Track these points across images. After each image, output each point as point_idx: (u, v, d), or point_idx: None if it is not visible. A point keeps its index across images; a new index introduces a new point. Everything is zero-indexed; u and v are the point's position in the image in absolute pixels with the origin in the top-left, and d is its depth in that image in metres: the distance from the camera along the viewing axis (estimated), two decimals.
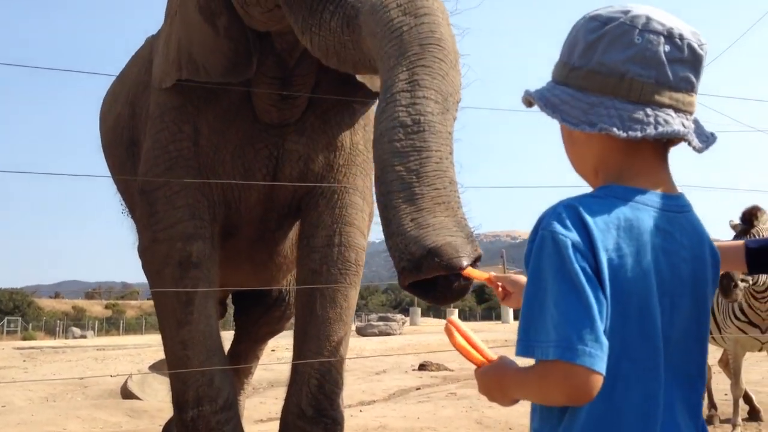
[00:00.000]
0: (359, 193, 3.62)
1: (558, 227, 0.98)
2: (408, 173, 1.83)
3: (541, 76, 1.30)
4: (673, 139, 1.06)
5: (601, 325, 0.94)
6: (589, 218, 0.98)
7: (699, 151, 1.07)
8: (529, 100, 1.13)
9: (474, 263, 1.68)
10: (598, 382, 0.94)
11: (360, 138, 3.66)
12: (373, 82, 3.43)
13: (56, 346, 23.81)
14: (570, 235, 0.97)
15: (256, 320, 5.26)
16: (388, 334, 22.86)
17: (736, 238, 4.89)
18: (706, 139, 1.08)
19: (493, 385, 1.12)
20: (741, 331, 5.06)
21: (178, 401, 3.30)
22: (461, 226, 1.79)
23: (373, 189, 1.95)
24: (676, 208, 1.05)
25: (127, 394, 7.68)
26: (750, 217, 4.93)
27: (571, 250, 0.96)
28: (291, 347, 4.81)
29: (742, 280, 4.55)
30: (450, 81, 2.04)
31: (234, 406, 3.31)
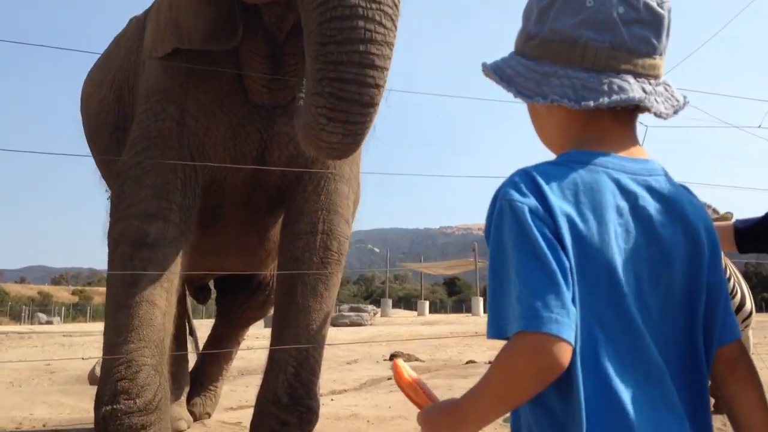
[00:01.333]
0: (345, 181, 3.60)
1: (515, 194, 0.94)
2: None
3: None
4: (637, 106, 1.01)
5: (567, 291, 0.89)
6: (544, 184, 0.94)
7: (664, 117, 1.02)
8: (487, 72, 1.08)
9: None
10: (566, 351, 0.88)
11: None
12: None
13: (22, 331, 23.39)
14: (527, 201, 0.93)
15: (239, 305, 5.23)
16: (360, 325, 22.86)
17: None
18: (676, 104, 1.03)
19: (440, 417, 1.00)
20: None
21: (97, 393, 3.02)
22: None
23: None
24: (644, 172, 1.00)
25: (94, 380, 7.57)
26: None
27: (528, 216, 0.92)
28: (260, 336, 4.75)
29: None
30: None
31: (159, 409, 2.95)
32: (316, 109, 2.38)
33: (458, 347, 12.76)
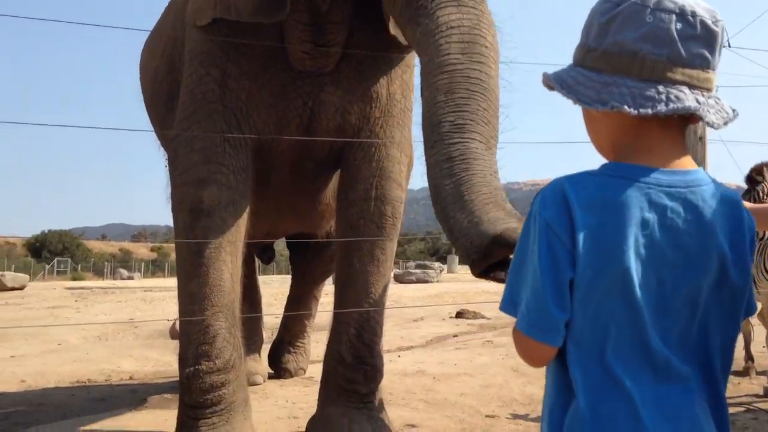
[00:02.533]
0: (396, 145, 3.63)
1: (539, 206, 1.06)
2: (457, 187, 2.09)
3: None
4: (690, 116, 1.07)
5: (556, 305, 1.04)
6: (573, 196, 1.04)
7: (715, 127, 1.08)
8: (548, 83, 1.15)
9: None
10: (550, 352, 1.07)
11: (397, 87, 3.62)
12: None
13: (105, 287, 24.63)
14: (545, 215, 1.04)
15: (310, 261, 5.43)
16: (426, 282, 23.10)
17: (743, 195, 4.92)
18: (726, 116, 1.08)
19: None
20: None
21: (180, 356, 3.29)
22: (511, 214, 2.01)
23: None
24: (681, 184, 1.07)
25: (175, 334, 7.98)
26: (755, 174, 4.99)
27: (544, 230, 1.04)
28: (328, 293, 4.92)
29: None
30: (492, 127, 2.27)
31: (235, 367, 3.22)
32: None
33: None
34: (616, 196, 1.04)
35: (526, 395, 4.97)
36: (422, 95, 2.37)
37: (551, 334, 1.06)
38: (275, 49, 3.31)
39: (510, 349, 7.02)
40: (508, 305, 1.11)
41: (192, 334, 3.21)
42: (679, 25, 1.04)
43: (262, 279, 6.74)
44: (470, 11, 2.45)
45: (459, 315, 11.02)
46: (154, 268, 54.35)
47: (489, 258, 1.91)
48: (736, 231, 1.10)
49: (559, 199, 1.04)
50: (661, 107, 1.03)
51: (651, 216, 1.04)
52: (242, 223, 3.35)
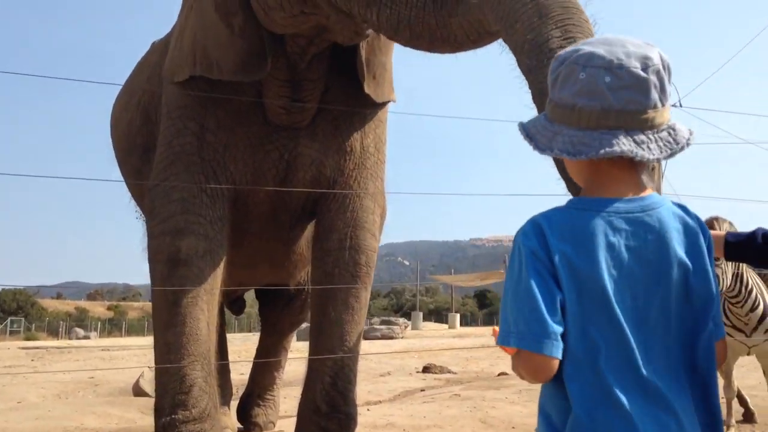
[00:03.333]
0: (370, 196, 3.73)
1: (522, 238, 1.21)
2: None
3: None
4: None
5: (548, 319, 1.16)
6: (547, 229, 1.20)
7: (657, 161, 1.22)
8: (520, 130, 1.33)
9: None
10: (551, 363, 1.16)
11: (371, 141, 3.75)
12: (377, 93, 3.54)
13: (61, 346, 23.91)
14: (529, 244, 1.20)
15: (279, 312, 5.44)
16: (391, 338, 22.97)
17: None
18: (672, 148, 1.21)
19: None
20: (728, 335, 5.28)
21: (156, 405, 3.32)
22: None
23: None
24: (638, 209, 1.22)
25: (138, 391, 7.86)
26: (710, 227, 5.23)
27: (530, 257, 1.18)
28: (293, 350, 4.94)
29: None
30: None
31: (211, 417, 3.26)
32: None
33: (490, 359, 12.84)
34: (583, 225, 1.20)
35: None
36: (508, 34, 2.12)
37: (552, 345, 1.16)
38: (253, 102, 3.41)
39: (478, 402, 7.05)
40: (505, 336, 1.20)
41: (168, 384, 3.23)
42: (608, 78, 1.20)
43: None
44: None
45: (426, 369, 11.02)
46: (111, 327, 52.95)
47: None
48: (692, 242, 1.25)
49: (537, 231, 1.20)
50: (593, 153, 1.19)
51: (615, 240, 1.19)
52: (219, 273, 3.40)
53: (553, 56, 1.90)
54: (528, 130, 1.29)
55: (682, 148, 1.23)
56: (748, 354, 5.43)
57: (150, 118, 4.05)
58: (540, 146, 1.25)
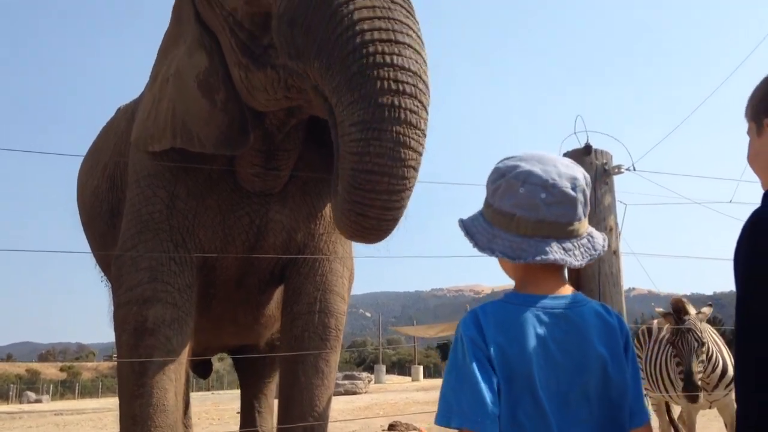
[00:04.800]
0: (339, 260, 3.77)
1: (463, 328, 1.35)
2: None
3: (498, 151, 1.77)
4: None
5: (488, 401, 1.27)
6: (483, 321, 1.34)
7: (579, 266, 1.40)
8: (460, 226, 1.48)
9: None
10: None
11: None
12: None
13: (11, 411, 23.02)
14: (469, 333, 1.33)
15: (252, 372, 5.38)
16: (354, 393, 22.68)
17: (672, 329, 5.42)
18: (592, 254, 1.41)
19: None
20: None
21: None
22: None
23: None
24: (562, 306, 1.39)
25: None
26: (679, 309, 5.49)
27: (470, 345, 1.31)
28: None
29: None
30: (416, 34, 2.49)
31: None
32: (350, 204, 2.41)
33: None
34: (515, 318, 1.35)
35: None
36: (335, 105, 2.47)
37: (492, 426, 1.27)
38: (223, 170, 3.42)
39: None
40: (447, 416, 1.30)
41: None
42: (543, 195, 1.38)
43: None
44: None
45: (391, 427, 10.88)
46: (64, 389, 51.14)
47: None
48: (610, 337, 1.40)
49: (476, 322, 1.34)
50: (530, 258, 1.36)
51: (542, 331, 1.34)
52: (186, 341, 3.36)
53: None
54: (468, 228, 1.45)
55: (599, 254, 1.42)
56: (710, 407, 5.63)
57: (116, 184, 4.03)
58: (480, 245, 1.42)
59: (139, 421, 3.16)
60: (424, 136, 2.40)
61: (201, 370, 5.67)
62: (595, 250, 1.42)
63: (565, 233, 1.39)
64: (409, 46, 2.42)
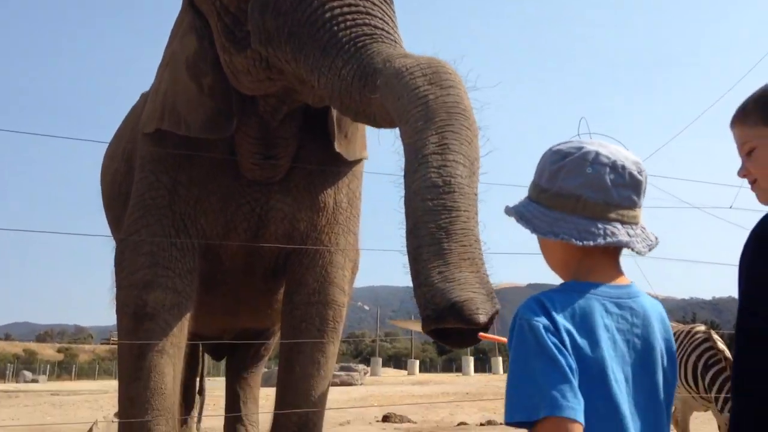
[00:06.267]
0: (341, 252, 3.78)
1: (531, 315, 1.25)
2: (438, 230, 1.95)
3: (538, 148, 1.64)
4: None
5: (576, 385, 1.19)
6: (551, 307, 1.25)
7: (641, 254, 1.34)
8: (510, 214, 1.41)
9: (491, 318, 1.87)
10: (579, 429, 1.17)
11: (344, 196, 3.81)
12: (349, 152, 3.64)
13: (8, 390, 23.11)
14: (541, 320, 1.23)
15: (239, 361, 5.42)
16: (350, 384, 22.76)
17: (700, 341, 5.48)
18: (650, 243, 1.36)
19: None
20: (687, 392, 5.55)
21: None
22: (483, 282, 1.92)
23: (405, 242, 2.06)
24: (625, 296, 1.32)
25: None
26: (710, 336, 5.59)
27: (543, 331, 1.22)
28: (267, 396, 4.89)
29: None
30: (474, 147, 2.18)
31: None
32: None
33: (449, 408, 12.82)
34: (582, 305, 1.28)
35: None
36: (401, 132, 2.25)
37: (582, 414, 1.17)
38: (225, 158, 3.45)
39: None
40: (528, 409, 1.18)
41: None
42: (612, 176, 1.32)
43: None
44: (422, 55, 2.41)
45: (386, 419, 10.94)
46: (60, 370, 51.34)
47: (440, 322, 1.84)
48: (666, 331, 1.37)
49: (543, 310, 1.25)
50: (600, 240, 1.29)
51: (609, 322, 1.28)
52: (185, 326, 3.40)
53: (423, 162, 2.06)
54: (522, 214, 1.38)
55: (655, 245, 1.37)
56: (706, 410, 5.65)
57: (132, 167, 4.06)
58: (540, 230, 1.35)
59: (136, 404, 3.20)
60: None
61: (216, 352, 5.70)
62: (651, 241, 1.36)
63: (629, 218, 1.33)
64: (380, 17, 2.53)
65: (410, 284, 2.05)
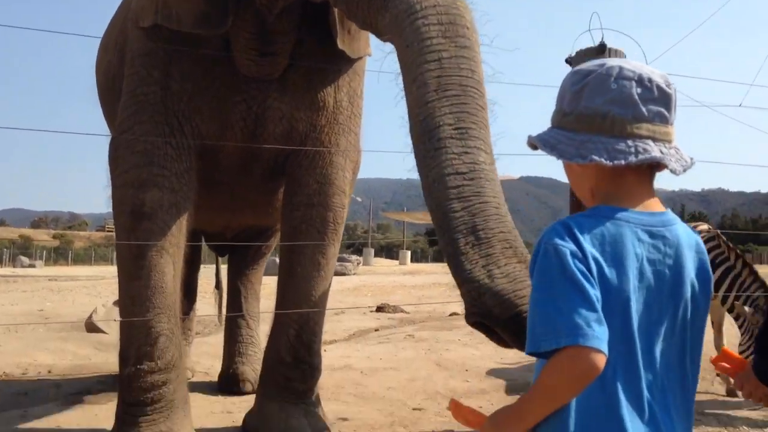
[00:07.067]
0: (341, 153, 3.69)
1: (558, 240, 1.18)
2: (471, 216, 1.80)
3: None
4: (656, 164, 1.25)
5: (600, 314, 1.14)
6: (579, 233, 1.19)
7: (677, 173, 1.26)
8: (533, 143, 1.32)
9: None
10: (602, 359, 1.12)
11: (344, 95, 3.67)
12: (352, 49, 3.45)
13: (5, 275, 23.48)
14: (567, 245, 1.17)
15: (241, 258, 5.40)
16: (343, 275, 23.21)
17: (705, 239, 5.41)
18: (685, 163, 1.27)
19: (502, 417, 1.24)
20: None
21: (120, 355, 3.29)
22: (525, 266, 1.75)
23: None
24: (659, 224, 1.25)
25: (92, 328, 7.79)
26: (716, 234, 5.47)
27: (570, 257, 1.16)
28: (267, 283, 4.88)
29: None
30: (489, 131, 2.02)
31: (176, 367, 3.25)
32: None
33: (441, 298, 13.09)
34: (612, 233, 1.20)
35: (449, 389, 5.18)
36: (406, 87, 2.10)
37: (604, 341, 1.13)
38: (219, 52, 3.31)
39: (432, 344, 7.25)
40: (550, 337, 1.14)
41: (133, 336, 3.23)
42: (638, 90, 1.23)
43: None
44: None
45: (379, 309, 11.20)
46: (57, 256, 52.11)
47: (486, 319, 1.68)
48: (701, 262, 1.30)
49: (571, 235, 1.19)
50: (632, 158, 1.21)
51: (640, 251, 1.21)
52: (184, 225, 3.35)
53: (441, 147, 1.89)
54: (546, 141, 1.29)
55: (690, 166, 1.28)
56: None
57: (125, 58, 3.92)
58: (566, 154, 1.26)
59: (138, 302, 3.20)
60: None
61: (219, 249, 5.67)
62: (686, 161, 1.27)
63: (661, 136, 1.24)
64: None
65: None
